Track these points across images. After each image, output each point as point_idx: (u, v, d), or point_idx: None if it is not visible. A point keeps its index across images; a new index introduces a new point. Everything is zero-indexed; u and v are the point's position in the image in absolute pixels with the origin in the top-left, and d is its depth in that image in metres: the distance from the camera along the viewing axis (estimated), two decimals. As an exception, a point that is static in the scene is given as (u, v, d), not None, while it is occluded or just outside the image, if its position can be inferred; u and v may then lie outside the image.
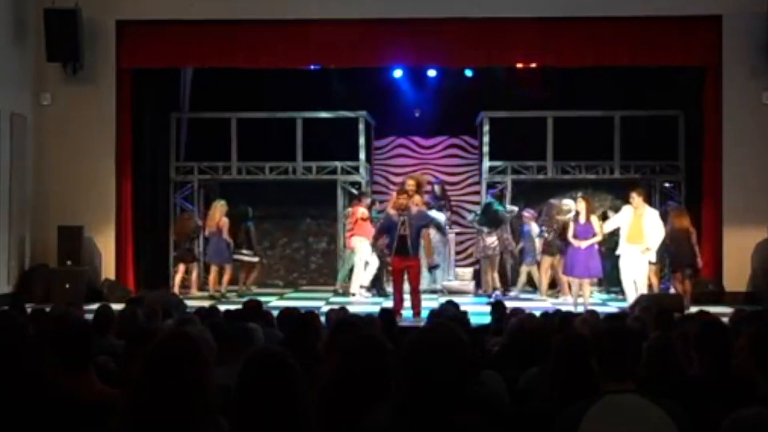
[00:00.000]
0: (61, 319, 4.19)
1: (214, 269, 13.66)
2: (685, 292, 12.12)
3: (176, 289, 13.49)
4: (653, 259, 11.97)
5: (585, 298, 11.77)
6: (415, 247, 11.05)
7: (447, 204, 15.14)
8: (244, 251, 13.99)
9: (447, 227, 14.65)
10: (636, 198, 11.83)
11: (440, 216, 14.00)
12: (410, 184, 12.25)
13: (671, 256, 12.38)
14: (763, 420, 2.67)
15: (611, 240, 12.52)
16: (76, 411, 3.46)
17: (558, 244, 13.33)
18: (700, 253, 12.56)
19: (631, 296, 11.55)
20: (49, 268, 12.84)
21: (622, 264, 11.81)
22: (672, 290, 12.65)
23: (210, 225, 13.66)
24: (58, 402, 3.40)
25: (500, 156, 14.60)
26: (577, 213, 11.95)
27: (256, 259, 14.29)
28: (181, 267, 13.92)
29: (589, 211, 11.87)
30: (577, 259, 11.72)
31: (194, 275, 14.09)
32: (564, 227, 13.27)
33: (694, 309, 8.56)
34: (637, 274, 11.70)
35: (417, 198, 11.56)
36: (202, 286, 14.17)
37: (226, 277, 13.65)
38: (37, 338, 4.89)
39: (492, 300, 12.43)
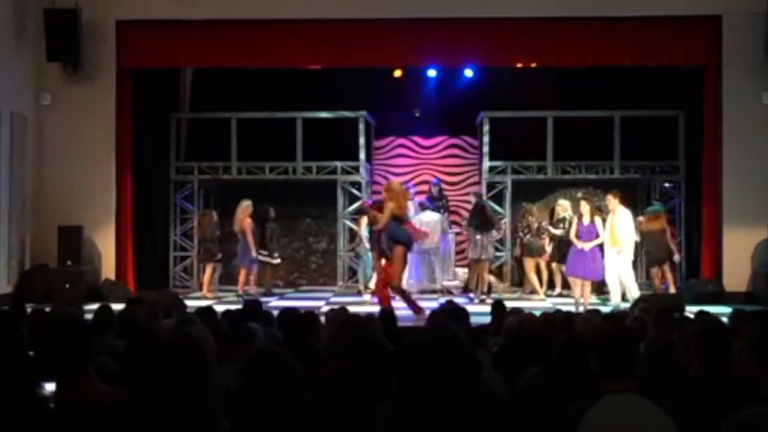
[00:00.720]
0: (61, 319, 4.19)
1: (242, 271, 13.71)
2: (659, 288, 12.60)
3: (205, 291, 13.51)
4: (631, 257, 12.14)
5: (585, 298, 11.78)
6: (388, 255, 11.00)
7: (445, 205, 15.13)
8: (263, 252, 14.02)
9: (446, 225, 14.65)
10: (612, 200, 12.07)
11: (434, 216, 13.96)
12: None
13: (646, 255, 12.50)
14: (764, 420, 2.67)
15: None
16: (76, 411, 3.46)
17: (537, 244, 13.47)
18: (678, 250, 13.08)
19: (615, 295, 11.81)
20: (49, 268, 12.84)
21: (606, 265, 11.96)
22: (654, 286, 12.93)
23: (235, 226, 13.71)
24: (54, 402, 3.40)
25: (500, 156, 14.60)
26: (581, 214, 11.98)
27: (275, 261, 14.27)
28: (208, 268, 13.85)
29: (593, 212, 11.90)
30: (579, 260, 11.74)
31: (210, 275, 13.89)
32: (539, 228, 13.40)
33: (694, 309, 8.54)
34: (621, 274, 11.85)
35: (390, 205, 11.23)
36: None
37: (251, 277, 13.68)
38: (33, 338, 4.91)
39: (478, 299, 12.51)
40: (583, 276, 11.81)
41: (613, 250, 11.82)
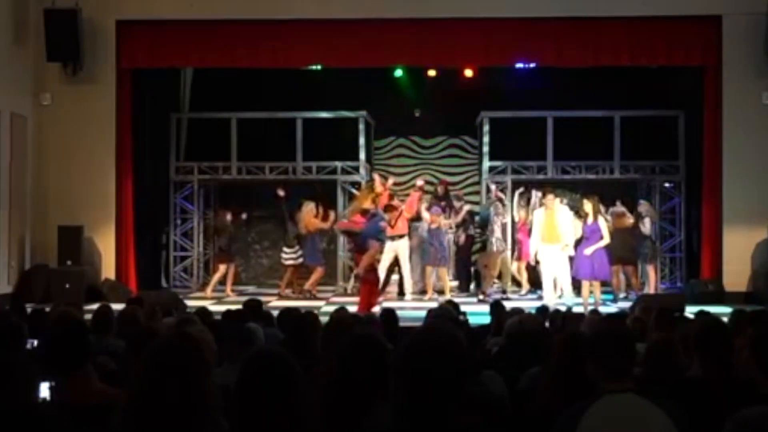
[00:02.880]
0: (59, 319, 4.19)
1: (318, 270, 13.85)
2: (618, 285, 13.11)
3: (209, 291, 13.56)
4: (572, 253, 12.16)
5: (597, 298, 11.77)
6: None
7: (450, 204, 15.04)
8: (288, 251, 14.09)
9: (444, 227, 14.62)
10: (551, 199, 12.11)
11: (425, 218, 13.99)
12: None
13: (612, 251, 12.62)
14: (767, 419, 2.67)
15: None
16: (75, 411, 3.46)
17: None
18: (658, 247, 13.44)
19: (549, 294, 11.78)
20: (49, 268, 12.83)
21: (542, 263, 11.96)
22: (615, 281, 13.20)
23: (301, 228, 13.79)
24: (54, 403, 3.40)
25: (500, 156, 14.60)
26: (585, 214, 11.96)
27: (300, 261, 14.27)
28: (221, 267, 13.86)
29: (596, 212, 11.87)
30: (582, 261, 11.71)
31: (220, 275, 13.91)
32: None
33: (694, 309, 8.54)
34: (559, 272, 11.85)
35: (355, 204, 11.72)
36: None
37: (314, 277, 13.79)
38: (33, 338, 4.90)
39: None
40: (590, 277, 11.77)
41: (553, 247, 11.82)
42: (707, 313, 6.91)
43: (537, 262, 13.14)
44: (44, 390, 3.54)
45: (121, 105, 13.42)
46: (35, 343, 5.09)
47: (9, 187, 12.50)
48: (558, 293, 11.97)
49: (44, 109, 13.28)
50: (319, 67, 14.26)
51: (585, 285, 11.88)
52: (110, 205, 13.35)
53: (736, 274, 12.90)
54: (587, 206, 11.98)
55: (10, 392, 3.10)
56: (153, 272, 14.22)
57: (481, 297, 13.01)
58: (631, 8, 12.93)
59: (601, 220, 11.88)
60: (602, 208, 12.90)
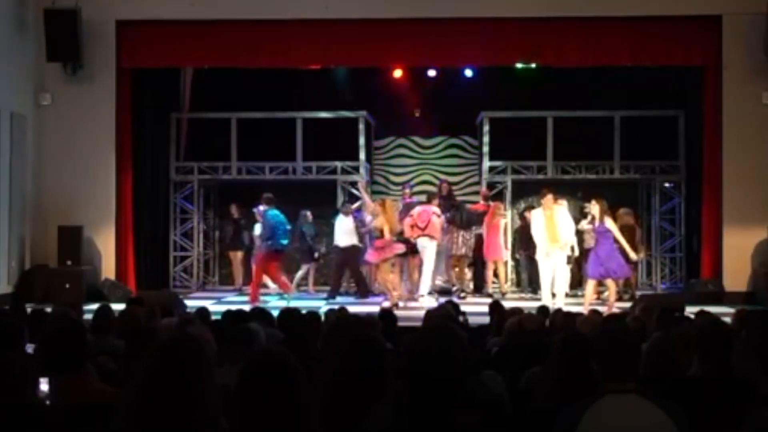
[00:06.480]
0: (56, 319, 4.20)
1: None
2: (618, 285, 12.73)
3: (293, 287, 13.76)
4: (569, 252, 12.11)
5: (588, 297, 11.70)
6: None
7: (454, 204, 14.95)
8: None
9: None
10: (548, 198, 11.98)
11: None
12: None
13: None
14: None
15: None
16: (74, 410, 3.46)
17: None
18: (643, 249, 13.49)
19: (547, 295, 11.68)
20: (49, 268, 12.84)
21: (542, 264, 11.88)
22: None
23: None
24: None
25: (500, 156, 14.60)
26: (593, 216, 11.87)
27: None
28: (304, 267, 14.29)
29: (602, 212, 11.77)
30: (593, 261, 11.64)
31: (303, 273, 14.34)
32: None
33: (694, 309, 8.54)
34: (558, 272, 11.76)
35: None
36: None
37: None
38: (34, 339, 4.91)
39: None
40: (593, 276, 11.65)
41: (555, 247, 11.77)
42: (707, 313, 6.91)
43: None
44: (44, 384, 3.55)
45: (121, 105, 13.43)
46: (35, 346, 5.08)
47: (9, 187, 12.50)
48: (550, 295, 11.89)
49: (44, 109, 13.29)
50: (319, 67, 14.25)
51: (590, 283, 11.81)
52: (110, 205, 13.35)
53: (736, 274, 12.91)
54: (594, 208, 11.74)
55: (10, 390, 3.10)
56: (153, 272, 14.22)
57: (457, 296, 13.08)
58: (631, 8, 12.93)
59: (608, 221, 11.77)
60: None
